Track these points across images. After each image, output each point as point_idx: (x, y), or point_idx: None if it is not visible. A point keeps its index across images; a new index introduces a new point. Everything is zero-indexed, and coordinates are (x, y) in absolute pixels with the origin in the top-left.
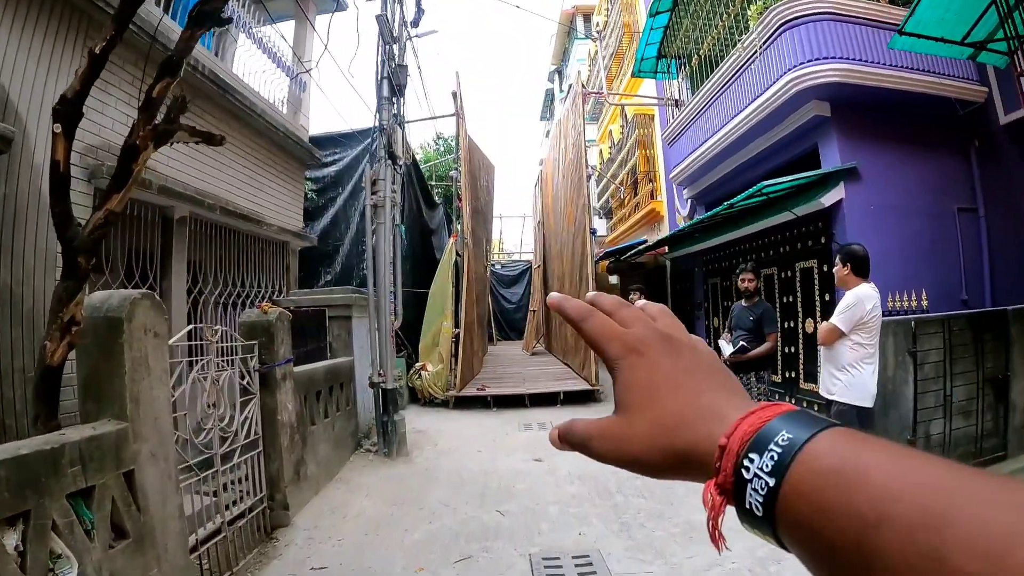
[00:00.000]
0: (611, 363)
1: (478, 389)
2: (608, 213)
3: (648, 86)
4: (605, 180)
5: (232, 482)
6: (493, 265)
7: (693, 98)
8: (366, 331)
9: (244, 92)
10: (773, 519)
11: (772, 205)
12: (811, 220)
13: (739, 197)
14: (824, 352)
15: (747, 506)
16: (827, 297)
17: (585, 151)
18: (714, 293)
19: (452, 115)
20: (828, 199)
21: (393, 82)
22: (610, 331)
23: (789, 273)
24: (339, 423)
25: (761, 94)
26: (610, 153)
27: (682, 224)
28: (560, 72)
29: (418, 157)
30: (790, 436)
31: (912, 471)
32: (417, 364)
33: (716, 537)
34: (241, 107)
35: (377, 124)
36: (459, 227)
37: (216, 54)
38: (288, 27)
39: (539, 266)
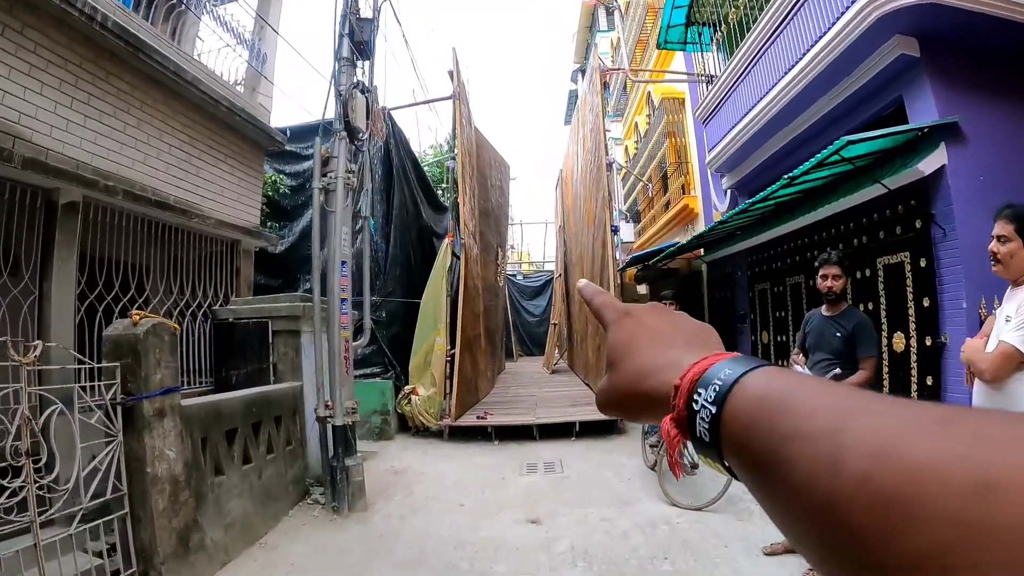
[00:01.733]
0: (607, 327)
1: (478, 417)
2: (636, 217)
3: (677, 64)
4: (632, 178)
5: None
6: (514, 276)
7: (732, 59)
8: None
9: (168, 55)
10: (718, 442)
11: (851, 178)
12: (898, 198)
13: (806, 166)
14: (985, 394)
15: (697, 434)
16: (925, 302)
17: (604, 136)
18: (762, 302)
19: (448, 98)
20: (928, 165)
21: (355, 39)
22: (611, 303)
23: (868, 272)
24: (271, 469)
25: (825, 33)
26: (636, 149)
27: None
28: (583, 71)
29: (427, 156)
30: (729, 371)
31: (826, 396)
32: (406, 387)
33: (674, 465)
34: (163, 72)
35: (333, 89)
36: (457, 225)
37: (150, 19)
38: None
39: (560, 275)
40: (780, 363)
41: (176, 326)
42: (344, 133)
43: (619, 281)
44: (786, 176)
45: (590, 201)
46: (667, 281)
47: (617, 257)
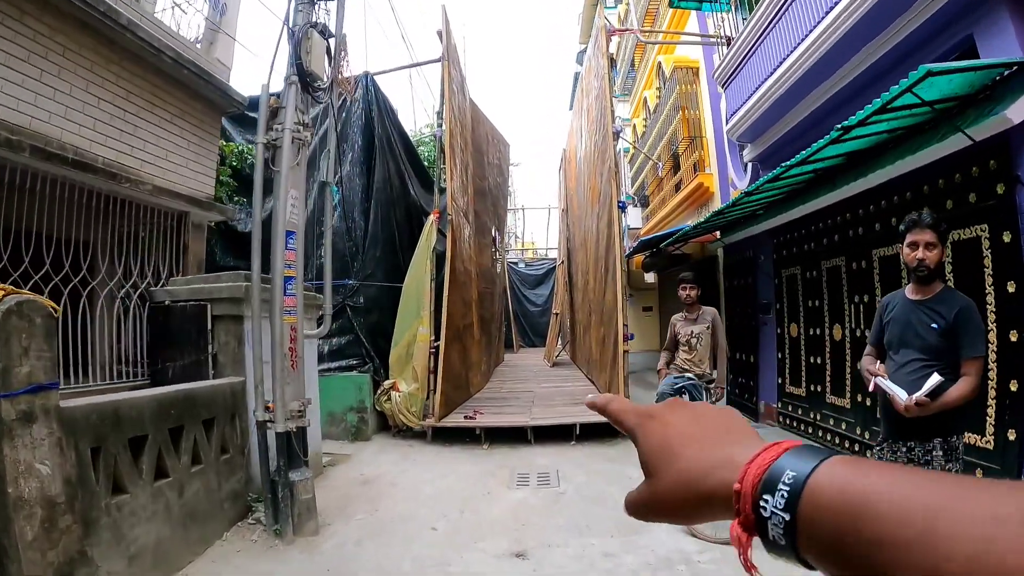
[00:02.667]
0: (631, 433)
1: (466, 417)
2: (644, 201)
3: (691, 27)
4: (640, 159)
5: None
6: (515, 264)
7: (758, 6)
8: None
9: None
10: (796, 547)
11: (914, 134)
12: (972, 158)
13: (866, 110)
14: None
15: (771, 538)
16: (1010, 287)
17: (611, 102)
18: (791, 289)
19: (437, 60)
20: (1017, 112)
21: None
22: (628, 408)
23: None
24: (197, 484)
25: None
26: (644, 127)
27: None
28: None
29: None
30: (794, 474)
31: (908, 494)
32: (386, 382)
33: (749, 567)
34: (91, 14)
35: (287, 29)
36: (445, 197)
37: None
38: None
39: (563, 262)
40: (814, 360)
41: (55, 307)
42: (295, 78)
43: (625, 267)
44: (838, 127)
45: (594, 176)
46: (677, 269)
47: (624, 238)
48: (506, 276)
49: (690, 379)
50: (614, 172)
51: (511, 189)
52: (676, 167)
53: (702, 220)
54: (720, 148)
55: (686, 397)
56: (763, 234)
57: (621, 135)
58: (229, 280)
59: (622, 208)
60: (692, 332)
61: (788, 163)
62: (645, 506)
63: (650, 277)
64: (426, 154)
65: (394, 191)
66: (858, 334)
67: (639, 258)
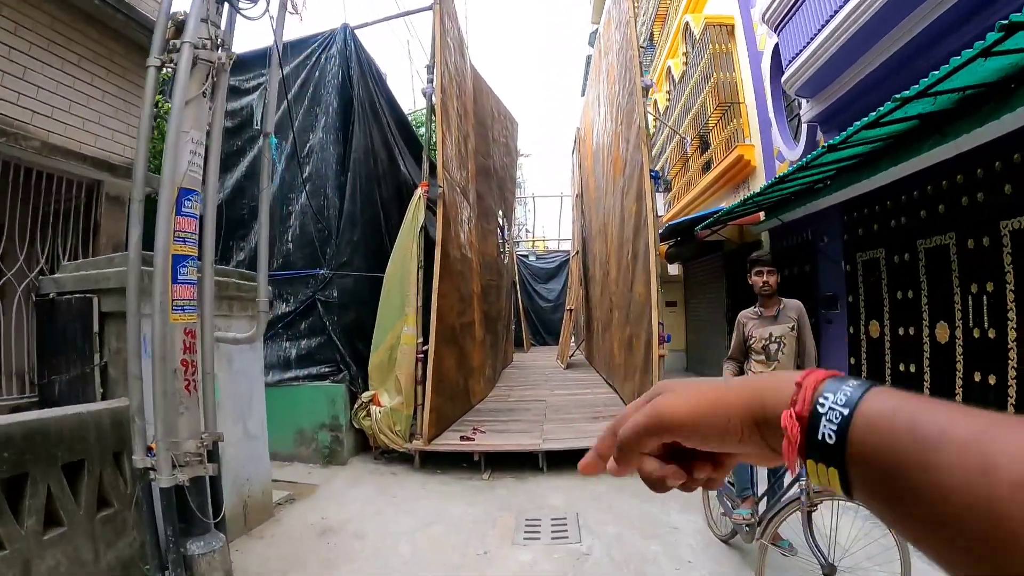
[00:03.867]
0: (657, 397)
1: (463, 437)
2: (666, 186)
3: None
4: (663, 137)
5: None
6: (526, 257)
7: None
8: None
9: None
10: (844, 446)
11: None
12: None
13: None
14: None
15: (819, 436)
16: None
17: (638, 51)
18: (869, 278)
19: (428, 8)
20: None
21: None
22: (638, 401)
23: None
24: (54, 557)
25: None
26: (668, 101)
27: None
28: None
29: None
30: (855, 383)
31: (958, 411)
32: (364, 394)
33: (792, 458)
34: None
35: None
36: (435, 166)
37: None
38: None
39: (577, 252)
40: (905, 368)
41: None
42: None
43: (659, 252)
44: (979, 45)
45: (616, 146)
46: (709, 259)
47: (659, 214)
48: (515, 269)
49: None
50: (644, 135)
51: (520, 179)
52: (704, 146)
53: (750, 196)
54: (763, 114)
55: None
56: (828, 210)
57: (651, 87)
58: (120, 264)
59: (655, 178)
60: (771, 335)
61: (885, 108)
62: (677, 401)
63: (674, 269)
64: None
65: (380, 165)
66: (976, 335)
67: (662, 247)
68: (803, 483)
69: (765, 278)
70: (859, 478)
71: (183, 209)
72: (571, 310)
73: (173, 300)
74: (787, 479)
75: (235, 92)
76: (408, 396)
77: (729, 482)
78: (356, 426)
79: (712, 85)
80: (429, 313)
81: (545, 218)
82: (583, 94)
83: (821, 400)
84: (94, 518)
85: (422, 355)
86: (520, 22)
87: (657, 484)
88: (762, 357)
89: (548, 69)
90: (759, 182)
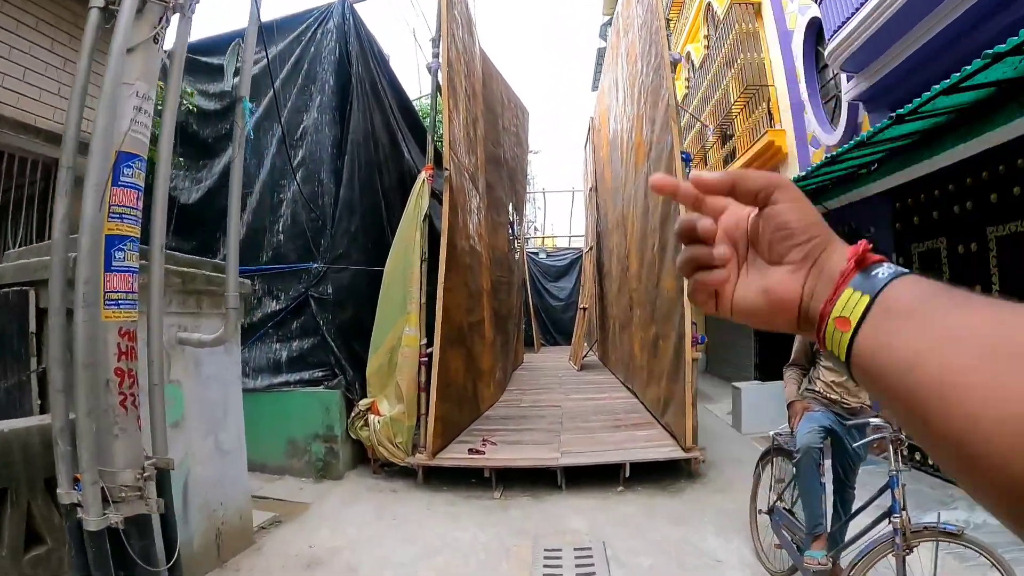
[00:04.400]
0: (769, 190)
1: (471, 450)
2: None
3: None
4: (684, 121)
5: None
6: (536, 254)
7: None
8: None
9: None
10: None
11: None
12: None
13: None
14: None
15: (872, 273)
16: None
17: (665, 21)
18: (924, 271)
19: None
20: None
21: None
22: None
23: None
24: None
25: None
26: (686, 89)
27: (820, 162)
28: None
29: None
30: (890, 270)
31: (961, 317)
32: (362, 402)
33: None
34: None
35: None
36: (440, 152)
37: None
38: None
39: (591, 248)
40: None
41: None
42: None
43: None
44: None
45: (639, 129)
46: None
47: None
48: (526, 266)
49: (851, 417)
50: (674, 113)
51: (530, 176)
52: (726, 138)
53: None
54: (795, 98)
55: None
56: (875, 198)
57: (681, 60)
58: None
59: (686, 160)
60: None
61: (979, 63)
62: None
63: None
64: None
65: (381, 150)
66: None
67: None
68: (896, 519)
69: None
70: (893, 336)
71: (121, 179)
72: (584, 309)
73: (105, 293)
74: (869, 513)
75: (221, 71)
76: (410, 404)
77: (786, 510)
78: (353, 436)
79: (737, 69)
80: (433, 311)
81: (555, 216)
82: (594, 88)
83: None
84: (21, 559)
85: (425, 358)
86: (526, 16)
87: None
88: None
89: (555, 65)
90: (791, 170)
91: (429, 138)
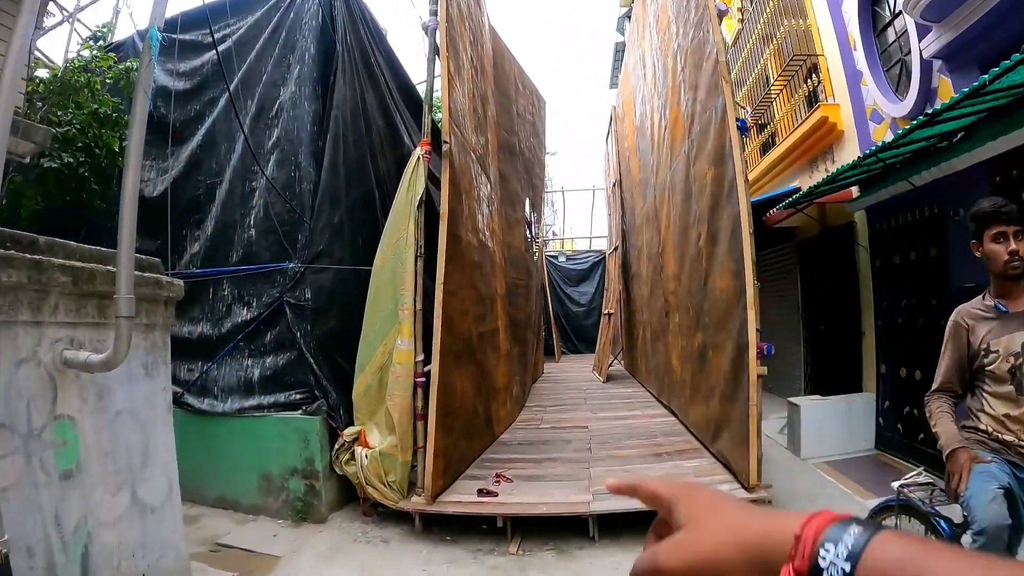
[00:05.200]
0: (670, 500)
1: (482, 491)
2: None
3: None
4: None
5: None
6: (555, 257)
7: None
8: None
9: None
10: None
11: None
12: None
13: None
14: None
15: None
16: None
17: None
18: None
19: None
20: None
21: None
22: (662, 482)
23: None
24: None
25: None
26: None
27: (888, 140)
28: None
29: None
30: (857, 531)
31: (967, 565)
32: (347, 431)
33: None
34: None
35: None
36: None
37: None
38: None
39: (615, 248)
40: None
41: None
42: None
43: (751, 228)
44: None
45: (674, 102)
46: (778, 250)
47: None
48: (545, 269)
49: None
50: (725, 70)
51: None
52: (761, 127)
53: (868, 154)
54: (849, 67)
55: None
56: (967, 172)
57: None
58: None
59: (742, 129)
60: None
61: None
62: (673, 550)
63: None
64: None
65: (375, 131)
66: None
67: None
68: None
69: (1014, 245)
70: None
71: None
72: (609, 315)
73: None
74: None
75: (194, 49)
76: (403, 437)
77: None
78: (339, 471)
79: (779, 40)
80: (428, 320)
81: (575, 217)
82: (612, 86)
83: (823, 553)
84: None
85: (422, 378)
86: (536, 13)
87: None
88: (1009, 388)
89: (568, 65)
90: (848, 149)
91: (426, 108)
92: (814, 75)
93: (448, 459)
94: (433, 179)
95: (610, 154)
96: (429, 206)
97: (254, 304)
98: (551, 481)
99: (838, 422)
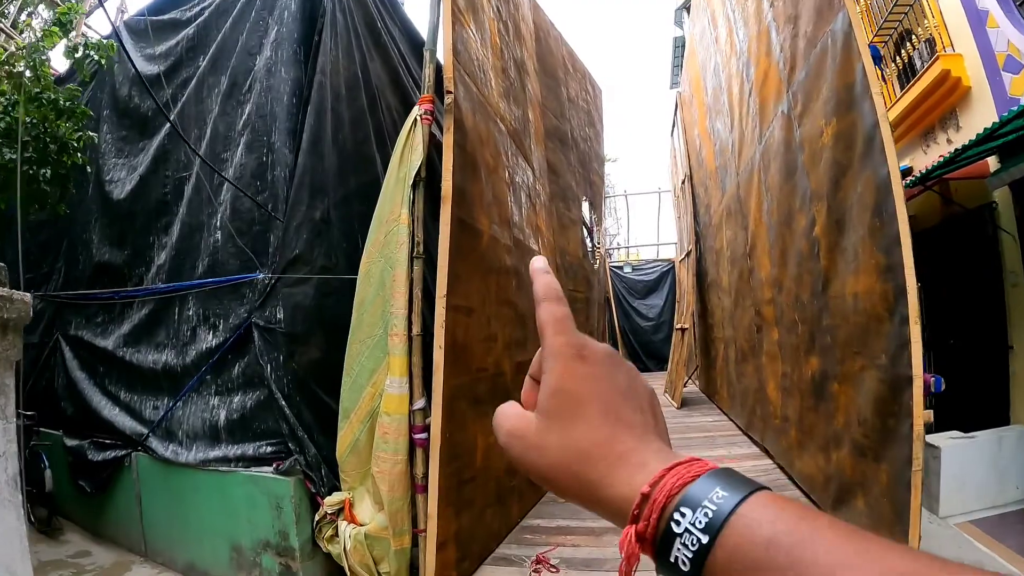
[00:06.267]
0: (550, 354)
1: None
2: None
3: None
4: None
5: None
6: (619, 268)
7: None
8: None
9: None
10: (699, 574)
11: None
12: None
13: None
14: None
15: (671, 559)
16: None
17: None
18: None
19: None
20: None
21: None
22: (564, 319)
23: None
24: None
25: None
26: None
27: None
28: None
29: None
30: (724, 495)
31: (833, 551)
32: (330, 499)
33: None
34: None
35: None
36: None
37: None
38: None
39: (688, 253)
40: None
41: None
42: None
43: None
44: None
45: (763, 54)
46: None
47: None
48: (609, 281)
49: None
50: None
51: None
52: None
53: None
54: (970, 7)
55: None
56: None
57: None
58: None
59: (876, 57)
60: None
61: None
62: (517, 438)
63: None
64: None
65: (382, 110)
66: None
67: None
68: None
69: None
70: None
71: None
72: (683, 330)
73: None
74: None
75: (172, 27)
76: (397, 517)
77: None
78: (323, 548)
79: None
80: (428, 344)
81: (638, 227)
82: (673, 85)
83: (676, 517)
84: None
85: (422, 434)
86: (584, 14)
87: None
88: None
89: (622, 72)
90: (977, 111)
91: (427, 55)
92: (931, 19)
93: (466, 544)
94: (440, 150)
95: (676, 149)
96: (437, 190)
97: (220, 327)
98: (612, 569)
99: (985, 466)
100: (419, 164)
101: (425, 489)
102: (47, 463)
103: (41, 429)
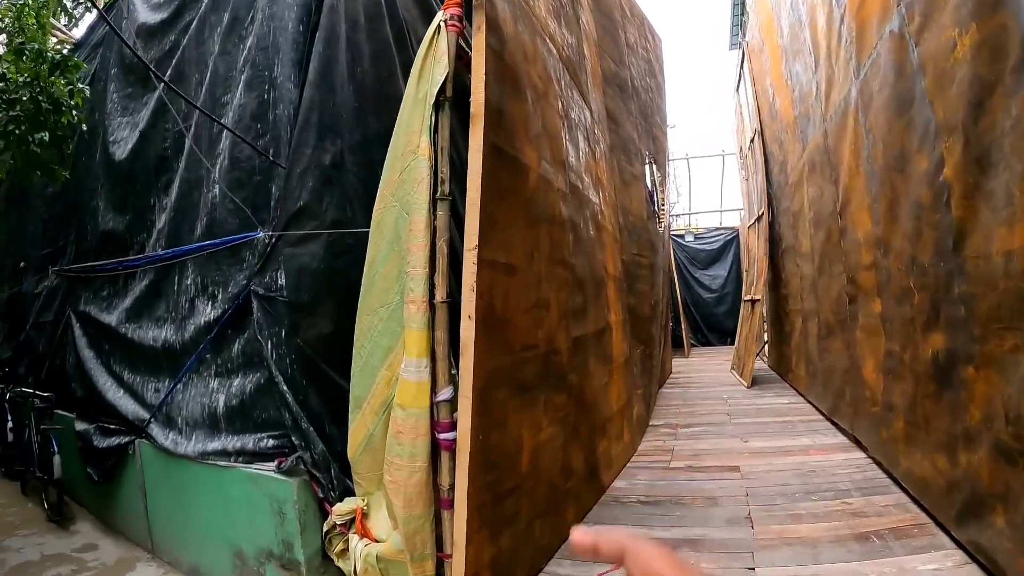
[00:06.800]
0: (621, 551)
1: None
2: None
3: None
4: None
5: None
6: (681, 236)
7: None
8: None
9: None
10: None
11: None
12: None
13: None
14: None
15: None
16: None
17: None
18: None
19: None
20: None
21: None
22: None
23: None
24: None
25: None
26: None
27: None
28: None
29: None
30: None
31: None
32: (340, 507)
33: None
34: None
35: None
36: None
37: None
38: None
39: (759, 216)
40: None
41: None
42: None
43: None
44: None
45: None
46: None
47: None
48: (671, 247)
49: None
50: None
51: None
52: None
53: None
54: None
55: None
56: None
57: None
58: None
59: None
60: None
61: None
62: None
63: None
64: None
65: (411, 46)
66: None
67: None
68: None
69: None
70: None
71: None
72: (753, 301)
73: None
74: None
75: None
76: (414, 539)
77: None
78: (334, 560)
79: None
80: (455, 322)
81: (700, 193)
82: (732, 47)
83: None
84: None
85: (449, 434)
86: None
87: None
88: None
89: (678, 32)
90: None
91: None
92: None
93: (506, 569)
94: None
95: (744, 105)
96: (468, 114)
97: (219, 297)
98: None
99: None
100: (443, 78)
101: (452, 504)
102: (57, 448)
103: (57, 411)
